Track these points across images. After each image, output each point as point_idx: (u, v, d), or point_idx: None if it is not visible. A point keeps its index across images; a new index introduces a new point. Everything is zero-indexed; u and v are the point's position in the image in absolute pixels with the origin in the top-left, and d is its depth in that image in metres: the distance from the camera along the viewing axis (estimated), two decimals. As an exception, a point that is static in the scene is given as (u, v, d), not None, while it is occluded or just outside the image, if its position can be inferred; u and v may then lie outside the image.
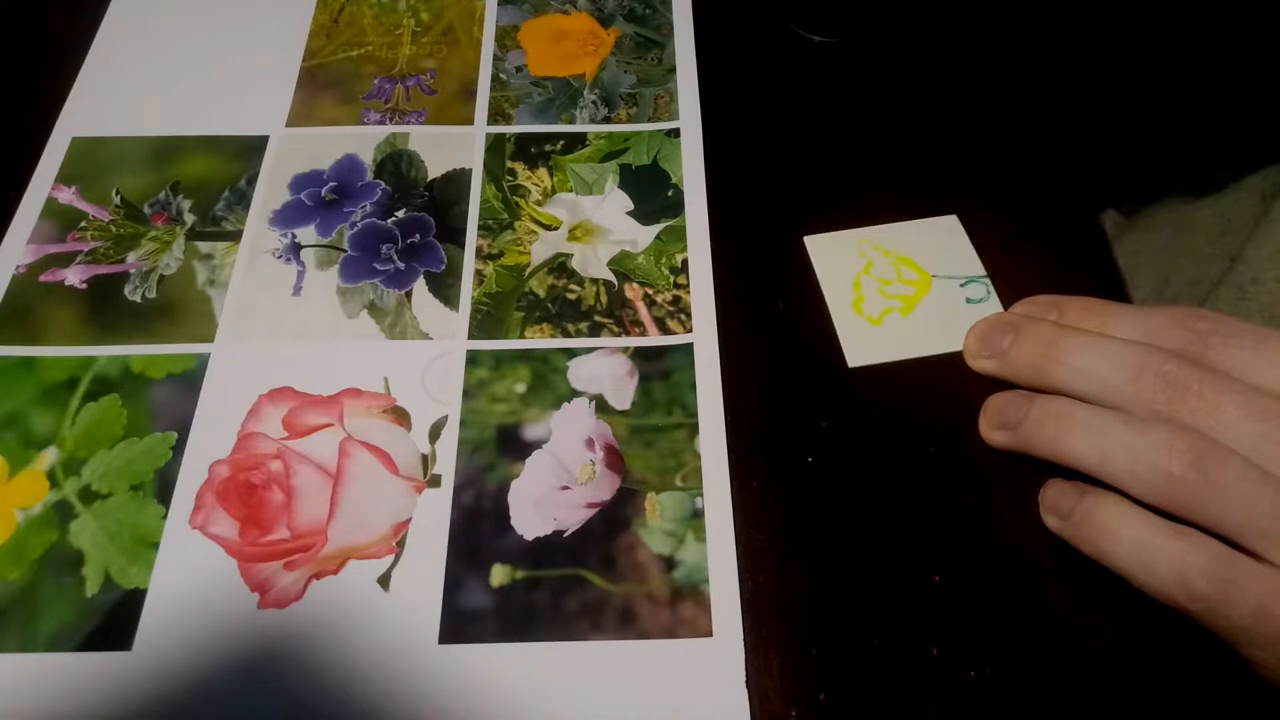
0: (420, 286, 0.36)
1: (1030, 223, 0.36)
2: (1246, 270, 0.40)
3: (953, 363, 0.34)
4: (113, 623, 0.29)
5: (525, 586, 0.30)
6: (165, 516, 0.31)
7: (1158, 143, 0.35)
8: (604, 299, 0.36)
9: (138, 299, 0.36)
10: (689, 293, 0.36)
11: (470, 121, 0.41)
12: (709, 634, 0.29)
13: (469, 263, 0.36)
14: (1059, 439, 0.29)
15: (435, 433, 0.32)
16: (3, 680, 0.28)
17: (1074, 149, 0.39)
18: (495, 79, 0.42)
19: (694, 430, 0.32)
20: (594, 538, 0.30)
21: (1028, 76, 0.42)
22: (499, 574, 0.30)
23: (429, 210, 0.38)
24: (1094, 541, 0.28)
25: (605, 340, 0.35)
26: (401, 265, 0.36)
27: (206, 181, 0.39)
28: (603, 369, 0.34)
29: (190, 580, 0.30)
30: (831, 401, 0.33)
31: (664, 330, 0.35)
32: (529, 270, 0.36)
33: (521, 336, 0.35)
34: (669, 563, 0.30)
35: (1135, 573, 0.27)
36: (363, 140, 0.40)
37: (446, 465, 0.32)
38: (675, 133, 0.40)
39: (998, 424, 0.31)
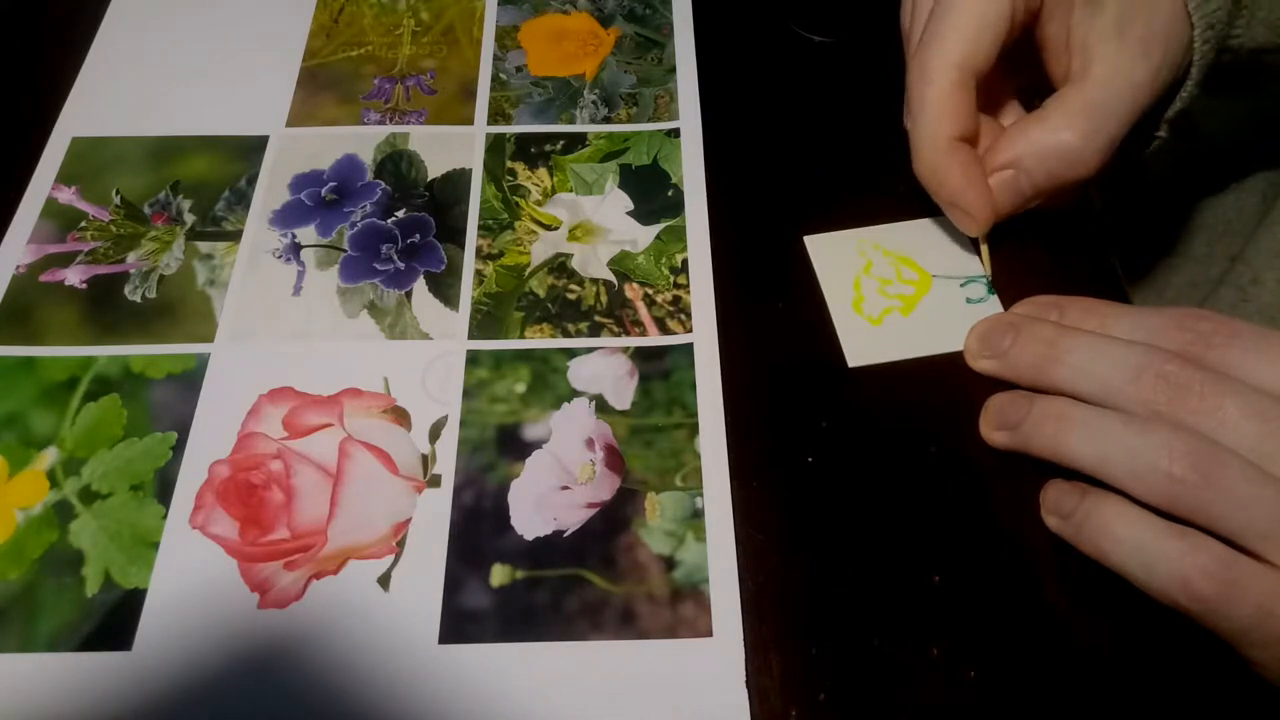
0: (420, 286, 0.36)
1: (1030, 223, 0.36)
2: (1247, 271, 0.40)
3: (953, 363, 0.34)
4: (113, 623, 0.29)
5: (525, 586, 0.30)
6: (165, 516, 0.31)
7: (1154, 142, 0.35)
8: (604, 299, 0.36)
9: (138, 299, 0.36)
10: (689, 293, 0.36)
11: (470, 121, 0.41)
12: (709, 634, 0.29)
13: (469, 263, 0.36)
14: (1059, 439, 0.29)
15: (435, 433, 0.32)
16: (3, 680, 0.28)
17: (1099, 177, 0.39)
18: (495, 79, 0.42)
19: (694, 430, 0.32)
20: (594, 538, 0.30)
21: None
22: (499, 574, 0.30)
23: (429, 210, 0.38)
24: (1094, 542, 0.28)
25: (605, 340, 0.35)
26: (401, 265, 0.36)
27: (206, 181, 0.39)
28: (603, 369, 0.34)
29: (190, 580, 0.30)
30: (831, 401, 0.33)
31: (664, 330, 0.35)
32: (529, 270, 0.36)
33: (521, 336, 0.35)
34: (669, 563, 0.30)
35: (1136, 573, 0.27)
36: (363, 140, 0.40)
37: (446, 465, 0.32)
38: (675, 133, 0.40)
39: (998, 424, 0.31)
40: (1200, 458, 0.26)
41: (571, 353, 0.34)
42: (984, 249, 0.35)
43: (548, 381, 0.34)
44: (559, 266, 0.36)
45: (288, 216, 0.38)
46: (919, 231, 0.37)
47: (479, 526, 0.31)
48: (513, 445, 0.32)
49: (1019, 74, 0.36)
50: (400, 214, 0.38)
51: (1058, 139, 0.32)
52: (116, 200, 0.38)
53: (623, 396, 0.33)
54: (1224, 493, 0.26)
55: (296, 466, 0.32)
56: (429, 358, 0.34)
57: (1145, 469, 0.27)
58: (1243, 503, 0.26)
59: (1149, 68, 0.31)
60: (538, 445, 0.32)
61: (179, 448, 0.32)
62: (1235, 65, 0.34)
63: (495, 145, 0.40)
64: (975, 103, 0.32)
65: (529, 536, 0.30)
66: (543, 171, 0.39)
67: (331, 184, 0.39)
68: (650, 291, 0.36)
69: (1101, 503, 0.28)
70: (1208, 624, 0.26)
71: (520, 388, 0.33)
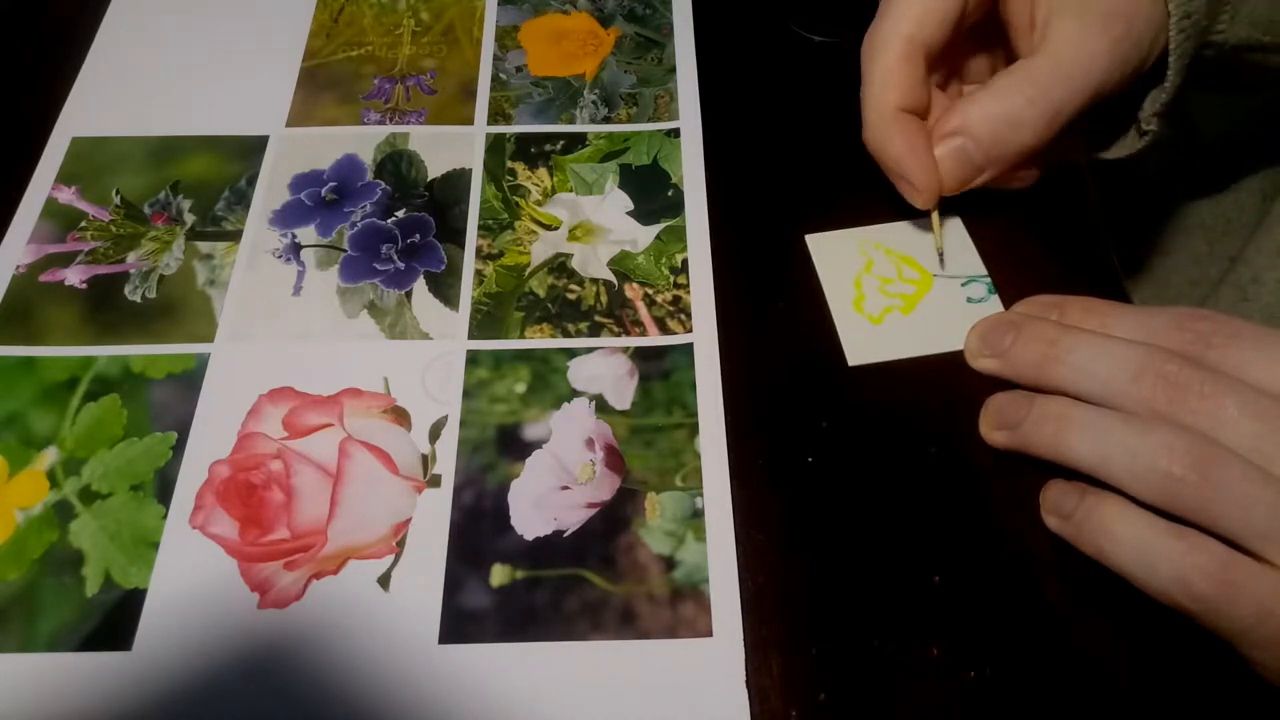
0: (420, 286, 0.36)
1: (1030, 223, 0.36)
2: (1247, 270, 0.40)
3: (953, 362, 0.34)
4: (113, 623, 0.29)
5: (525, 586, 0.30)
6: (165, 516, 0.31)
7: (1146, 137, 0.35)
8: (604, 299, 0.36)
9: (138, 299, 0.36)
10: (689, 293, 0.36)
11: (470, 121, 0.41)
12: (709, 634, 0.29)
13: (469, 263, 0.36)
14: (1059, 439, 0.29)
15: (435, 433, 0.32)
16: (3, 680, 0.28)
17: (1079, 165, 0.39)
18: (495, 79, 0.42)
19: (694, 430, 0.32)
20: (594, 538, 0.30)
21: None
22: (499, 574, 0.30)
23: (429, 210, 0.38)
24: (1095, 542, 0.28)
25: (605, 340, 0.35)
26: (401, 265, 0.36)
27: (206, 181, 0.39)
28: (603, 369, 0.34)
29: (190, 580, 0.30)
30: (831, 401, 0.33)
31: (664, 330, 0.35)
32: (529, 270, 0.36)
33: (521, 336, 0.35)
34: (669, 563, 0.30)
35: (1136, 573, 0.27)
36: (363, 140, 0.40)
37: (446, 465, 0.32)
38: (675, 133, 0.40)
39: (998, 424, 0.31)
40: (1200, 457, 0.26)
41: (571, 353, 0.34)
42: (935, 222, 0.35)
43: (548, 381, 0.34)
44: (559, 266, 0.36)
45: (288, 216, 0.38)
46: (920, 230, 0.37)
47: (479, 526, 0.31)
48: (513, 445, 0.32)
49: (992, 57, 0.36)
50: (400, 214, 0.38)
51: (1002, 104, 0.32)
52: (116, 200, 0.38)
53: (623, 396, 0.33)
54: (1224, 492, 0.26)
55: (296, 466, 0.32)
56: (429, 358, 0.34)
57: (1145, 469, 0.27)
58: (1243, 502, 0.26)
59: (1106, 41, 0.31)
60: (538, 445, 0.32)
61: (179, 448, 0.32)
62: (1220, 61, 0.33)
63: (495, 145, 0.40)
64: (924, 76, 0.33)
65: (529, 536, 0.30)
66: (543, 171, 0.39)
67: (331, 184, 0.39)
68: (650, 291, 0.36)
69: (1101, 502, 0.28)
70: (1208, 624, 0.26)
71: (520, 388, 0.33)
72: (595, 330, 0.35)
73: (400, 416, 0.33)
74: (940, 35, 0.33)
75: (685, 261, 0.36)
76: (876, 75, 0.33)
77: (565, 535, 0.30)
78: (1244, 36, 0.33)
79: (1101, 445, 0.28)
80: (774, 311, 0.35)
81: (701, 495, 0.31)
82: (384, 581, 0.30)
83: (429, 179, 0.39)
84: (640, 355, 0.34)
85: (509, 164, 0.39)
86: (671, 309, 0.35)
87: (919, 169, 0.33)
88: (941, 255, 0.36)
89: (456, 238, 0.37)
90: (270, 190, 0.38)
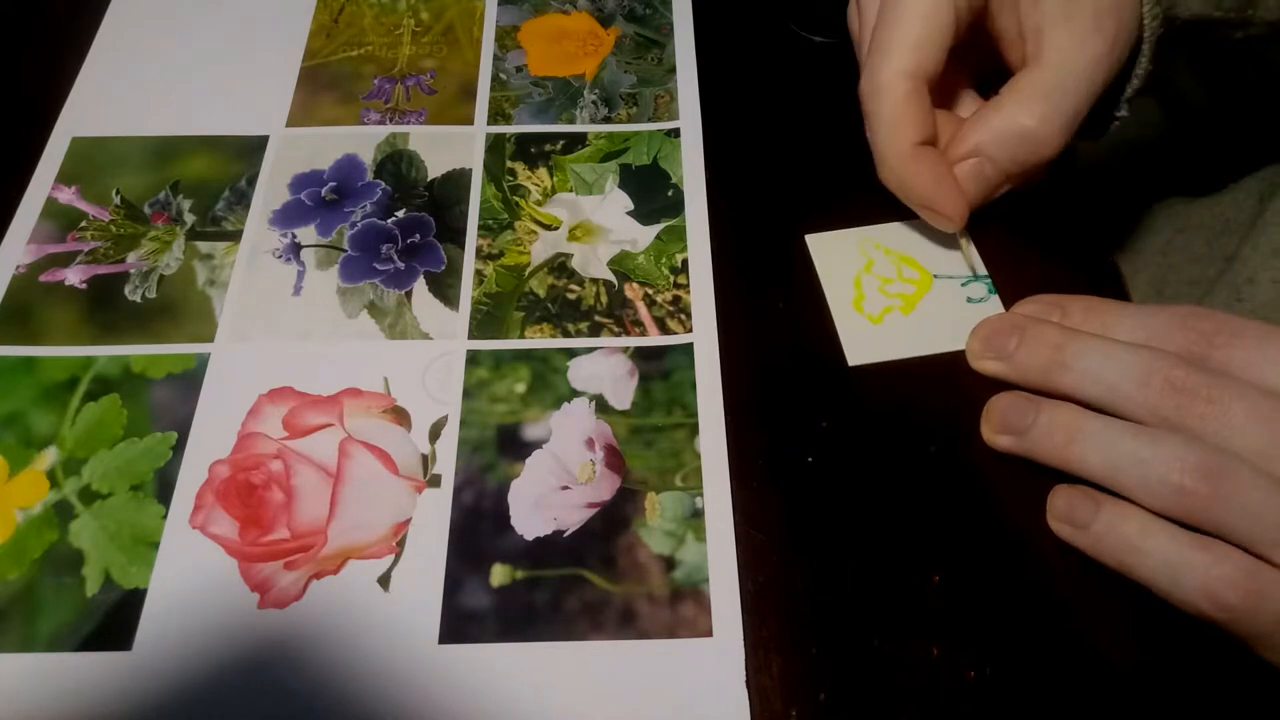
0: (420, 286, 0.36)
1: (1030, 223, 0.36)
2: (1242, 270, 0.40)
3: (953, 362, 0.34)
4: (113, 623, 0.29)
5: (525, 586, 0.30)
6: (165, 516, 0.31)
7: (1157, 142, 0.35)
8: (604, 299, 0.36)
9: (138, 299, 0.36)
10: (689, 293, 0.36)
11: (470, 121, 0.41)
12: (709, 634, 0.29)
13: (469, 263, 0.36)
14: (1068, 449, 0.29)
15: (435, 433, 0.32)
16: (3, 680, 0.28)
17: (1073, 149, 0.39)
18: (495, 79, 0.42)
19: (694, 430, 0.32)
20: (594, 538, 0.30)
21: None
22: (499, 574, 0.30)
23: (429, 210, 0.38)
24: (1117, 556, 0.28)
25: (605, 340, 0.34)
26: (401, 265, 0.36)
27: (206, 181, 0.39)
28: (603, 369, 0.34)
29: (190, 580, 0.30)
30: (831, 401, 0.33)
31: (664, 330, 0.35)
32: (529, 270, 0.36)
33: (521, 336, 0.35)
34: (669, 563, 0.30)
35: (1161, 585, 0.27)
36: (363, 140, 0.40)
37: (446, 465, 0.32)
38: (675, 133, 0.40)
39: (1001, 428, 0.31)
40: (1209, 469, 0.26)
41: (571, 353, 0.34)
42: (964, 243, 0.36)
43: (548, 381, 0.34)
44: (559, 266, 0.36)
45: (288, 216, 0.38)
46: (920, 230, 0.37)
47: (479, 526, 0.31)
48: (513, 445, 0.32)
49: (969, 65, 0.36)
50: (400, 214, 0.38)
51: (1017, 124, 0.32)
52: (116, 200, 0.38)
53: (623, 396, 0.33)
54: (1234, 502, 0.26)
55: (296, 466, 0.31)
56: (429, 358, 0.34)
57: (1156, 481, 0.27)
58: (1253, 511, 0.26)
59: (1103, 43, 0.31)
60: (538, 445, 0.32)
61: (179, 448, 0.32)
62: (1176, 39, 0.34)
63: (495, 145, 0.40)
64: (930, 106, 0.33)
65: (529, 536, 0.30)
66: (543, 171, 0.39)
67: (331, 184, 0.39)
68: (650, 291, 0.36)
69: (1124, 519, 0.28)
70: (1234, 631, 0.26)
71: (520, 388, 0.33)
72: (595, 330, 0.35)
73: (400, 416, 0.33)
74: (938, 64, 0.32)
75: (685, 261, 0.36)
76: (886, 116, 0.32)
77: (565, 535, 0.30)
78: (1197, 10, 0.33)
79: (1111, 457, 0.28)
80: (774, 311, 0.35)
81: (701, 495, 0.31)
82: (384, 581, 0.30)
83: (429, 179, 0.39)
84: (640, 355, 0.34)
85: (509, 164, 0.39)
86: (671, 309, 0.35)
87: (948, 199, 0.33)
88: (975, 274, 0.36)
89: (456, 238, 0.37)
90: (270, 190, 0.38)
